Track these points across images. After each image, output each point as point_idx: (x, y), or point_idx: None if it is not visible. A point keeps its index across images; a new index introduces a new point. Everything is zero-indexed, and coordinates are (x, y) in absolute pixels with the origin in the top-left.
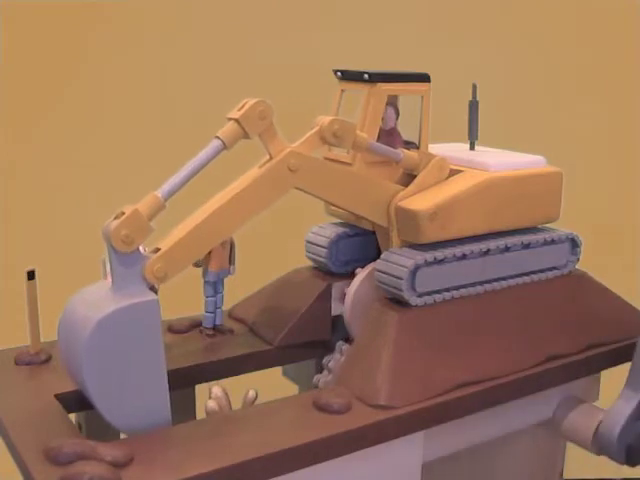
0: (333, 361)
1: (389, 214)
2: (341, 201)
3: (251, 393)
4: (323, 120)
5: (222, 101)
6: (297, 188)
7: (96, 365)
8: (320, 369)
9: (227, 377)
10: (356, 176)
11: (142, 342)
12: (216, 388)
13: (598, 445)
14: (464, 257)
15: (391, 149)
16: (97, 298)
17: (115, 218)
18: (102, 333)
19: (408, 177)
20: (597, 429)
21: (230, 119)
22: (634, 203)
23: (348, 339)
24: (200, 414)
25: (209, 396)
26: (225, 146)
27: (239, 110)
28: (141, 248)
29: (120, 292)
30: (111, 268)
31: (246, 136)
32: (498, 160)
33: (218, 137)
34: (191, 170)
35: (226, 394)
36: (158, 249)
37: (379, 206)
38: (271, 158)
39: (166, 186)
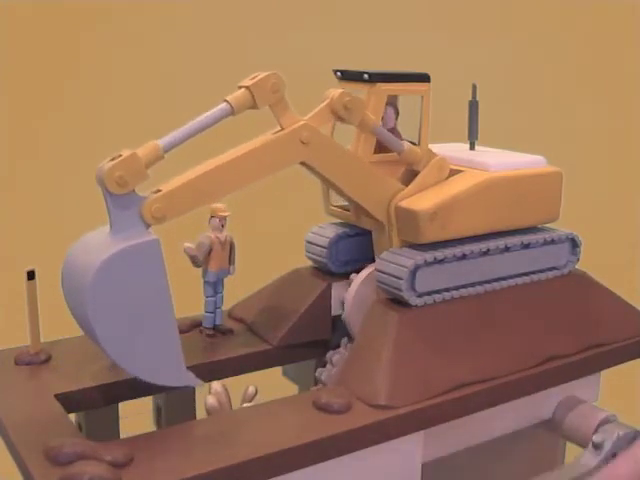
0: (338, 355)
1: (389, 213)
2: (345, 185)
3: (251, 389)
4: (334, 92)
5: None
6: (304, 163)
7: (102, 312)
8: (322, 365)
9: (227, 377)
10: (363, 164)
11: (147, 283)
12: (216, 384)
13: None
14: (464, 257)
15: (395, 138)
16: (97, 244)
17: (111, 160)
18: (104, 278)
19: (408, 178)
20: None
21: (241, 87)
22: (634, 203)
23: (351, 337)
24: (200, 414)
25: (209, 392)
26: (232, 111)
27: (251, 80)
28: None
29: (119, 235)
30: (108, 212)
31: (254, 106)
32: (498, 160)
33: (226, 100)
34: (194, 127)
35: (226, 390)
36: (159, 190)
37: (381, 201)
38: (282, 129)
39: (168, 137)
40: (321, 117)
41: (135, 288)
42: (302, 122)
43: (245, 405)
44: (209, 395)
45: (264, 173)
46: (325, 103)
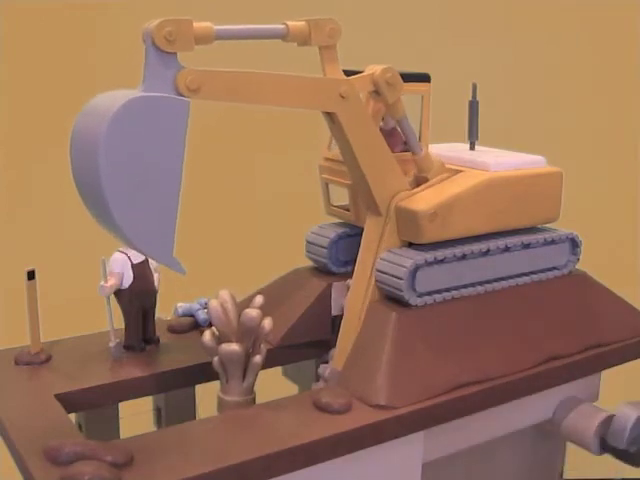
0: (329, 370)
1: (389, 209)
2: (363, 156)
3: (258, 298)
4: (377, 66)
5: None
6: (333, 117)
7: (114, 157)
8: (317, 377)
9: None
10: (385, 144)
11: (164, 145)
12: (223, 292)
13: (606, 440)
14: (464, 257)
15: (416, 138)
16: (122, 94)
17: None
18: (124, 120)
19: (413, 184)
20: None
21: (301, 20)
22: (634, 203)
23: None
24: (200, 414)
25: (215, 297)
26: (287, 34)
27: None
28: None
29: (149, 91)
30: (145, 68)
31: (308, 41)
32: (498, 160)
33: (285, 23)
34: (246, 30)
35: (233, 298)
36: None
37: (387, 189)
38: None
39: (222, 27)
40: (361, 84)
41: (152, 145)
42: (346, 78)
43: (250, 310)
44: (213, 299)
45: (295, 102)
46: (367, 73)
